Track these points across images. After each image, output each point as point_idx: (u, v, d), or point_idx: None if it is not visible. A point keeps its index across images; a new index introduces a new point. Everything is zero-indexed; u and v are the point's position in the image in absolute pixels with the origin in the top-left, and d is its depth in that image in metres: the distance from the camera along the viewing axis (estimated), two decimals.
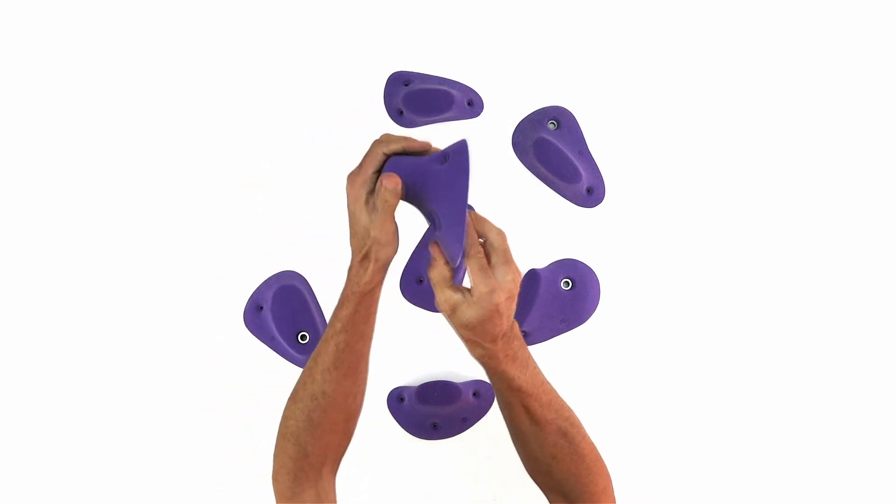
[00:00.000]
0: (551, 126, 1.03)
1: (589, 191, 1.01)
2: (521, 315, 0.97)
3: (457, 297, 0.59)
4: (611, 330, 0.98)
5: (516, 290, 0.59)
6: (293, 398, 0.67)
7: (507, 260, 0.59)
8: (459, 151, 0.58)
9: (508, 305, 0.59)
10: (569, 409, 0.67)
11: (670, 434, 0.96)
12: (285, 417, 0.66)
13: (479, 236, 0.61)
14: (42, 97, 1.03)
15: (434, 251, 0.61)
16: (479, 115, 1.04)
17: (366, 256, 0.63)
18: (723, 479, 0.95)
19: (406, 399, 0.95)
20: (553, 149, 1.01)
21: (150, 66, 1.04)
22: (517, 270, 0.60)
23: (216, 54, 1.05)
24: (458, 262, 0.58)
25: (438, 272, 0.60)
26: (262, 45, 1.05)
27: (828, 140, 1.03)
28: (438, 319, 0.98)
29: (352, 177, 0.62)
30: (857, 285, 1.00)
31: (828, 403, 0.97)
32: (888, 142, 1.03)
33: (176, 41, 1.05)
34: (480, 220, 0.61)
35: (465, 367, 0.97)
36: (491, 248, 0.60)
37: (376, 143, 0.62)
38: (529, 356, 0.65)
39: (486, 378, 0.95)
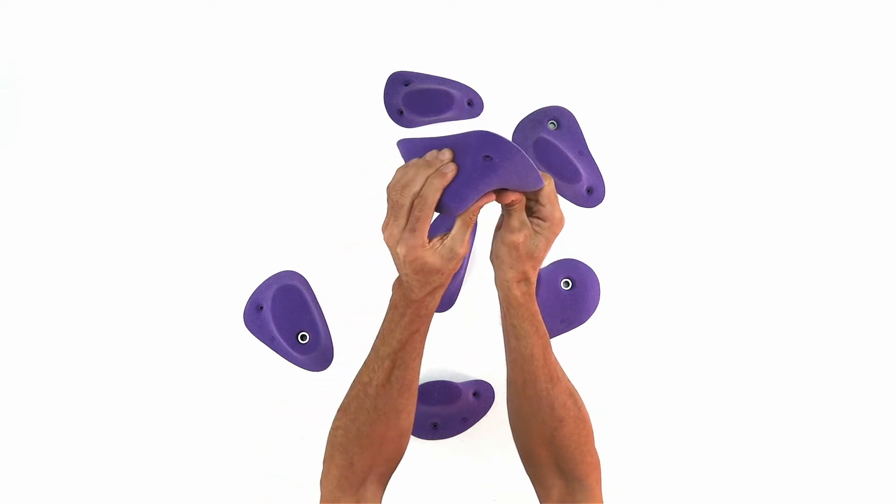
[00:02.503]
0: (551, 126, 1.03)
1: (589, 191, 1.01)
2: None
3: (530, 226, 0.65)
4: (611, 330, 0.98)
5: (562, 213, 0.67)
6: (344, 410, 0.68)
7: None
8: (495, 144, 0.58)
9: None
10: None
11: (670, 434, 0.96)
12: (335, 428, 0.68)
13: None
14: (42, 98, 1.03)
15: (514, 196, 0.63)
16: (479, 115, 1.04)
17: (436, 287, 0.64)
18: (722, 481, 0.95)
19: None
20: (553, 149, 1.01)
21: (150, 67, 1.04)
22: None
23: (217, 55, 1.05)
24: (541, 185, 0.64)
25: (522, 203, 0.64)
26: (262, 46, 1.05)
27: (827, 140, 1.03)
28: (438, 319, 0.98)
29: (407, 242, 0.59)
30: (856, 285, 1.00)
31: (826, 404, 0.97)
32: (887, 142, 1.03)
33: (176, 41, 1.05)
34: None
35: (465, 367, 0.97)
36: None
37: (423, 205, 0.59)
38: None
39: (486, 378, 0.96)
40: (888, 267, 1.00)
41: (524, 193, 0.64)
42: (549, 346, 0.68)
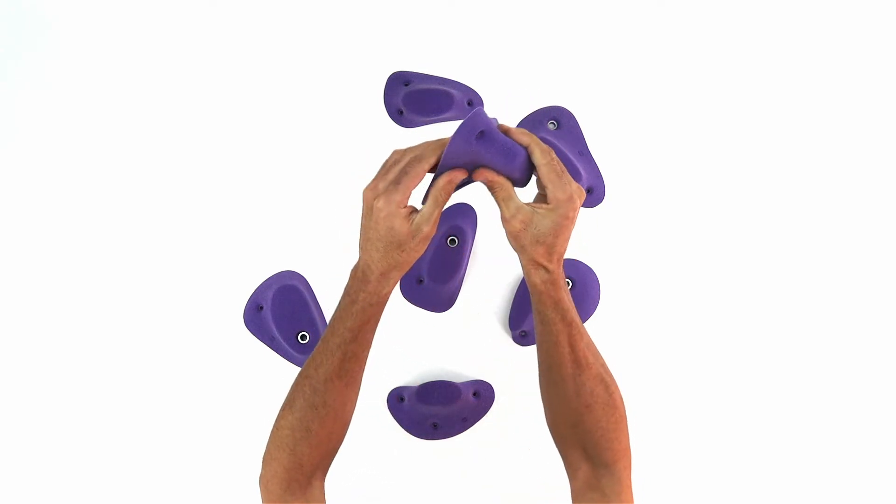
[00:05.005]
0: (551, 126, 1.03)
1: (589, 191, 1.01)
2: (520, 316, 0.97)
3: (528, 208, 0.61)
4: (611, 330, 0.98)
5: (584, 195, 0.63)
6: (289, 407, 0.66)
7: (564, 170, 0.62)
8: (479, 124, 0.59)
9: (578, 209, 0.62)
10: (602, 357, 0.68)
11: (670, 434, 0.96)
12: (279, 427, 0.65)
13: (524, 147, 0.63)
14: (43, 99, 1.03)
15: (488, 175, 0.62)
16: None
17: (393, 267, 0.63)
18: (722, 481, 0.95)
19: (406, 399, 0.95)
20: (553, 149, 1.01)
21: (150, 67, 1.04)
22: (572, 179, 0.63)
23: (217, 54, 1.05)
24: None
25: (504, 189, 0.62)
26: (262, 46, 1.05)
27: (827, 140, 1.03)
28: (438, 319, 0.98)
29: (388, 195, 0.59)
30: (856, 284, 1.00)
31: (825, 406, 0.97)
32: (888, 142, 1.03)
33: (176, 41, 1.05)
34: (529, 134, 0.63)
35: (465, 367, 0.97)
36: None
37: (416, 163, 0.60)
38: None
39: (486, 378, 0.96)
40: (888, 266, 1.00)
41: (507, 177, 0.63)
42: (577, 333, 0.65)
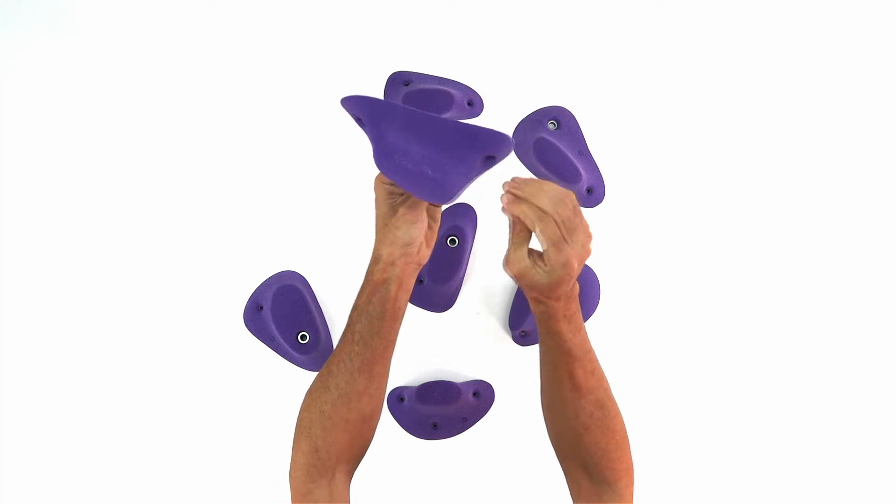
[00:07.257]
0: (551, 126, 1.03)
1: (589, 191, 1.01)
2: (520, 316, 0.97)
3: (527, 262, 0.63)
4: (611, 330, 0.98)
5: (588, 253, 0.62)
6: (310, 391, 0.68)
7: (576, 226, 0.61)
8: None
9: (580, 268, 0.62)
10: (608, 382, 0.69)
11: (670, 435, 0.96)
12: (300, 412, 0.68)
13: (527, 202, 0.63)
14: (43, 98, 1.03)
15: (514, 210, 0.64)
16: (479, 115, 1.04)
17: (392, 242, 0.66)
18: (722, 481, 0.95)
19: (406, 399, 0.95)
20: (553, 149, 1.01)
21: (150, 66, 1.04)
22: (588, 230, 0.62)
23: (217, 54, 1.05)
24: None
25: (521, 234, 0.64)
26: (262, 46, 1.05)
27: (827, 140, 1.03)
28: (438, 319, 0.98)
29: (409, 206, 0.68)
30: (856, 284, 1.00)
31: (827, 408, 0.97)
32: (888, 142, 1.03)
33: (176, 41, 1.05)
34: (518, 204, 0.63)
35: (465, 367, 0.97)
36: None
37: None
38: (582, 321, 0.68)
39: (486, 378, 0.96)
40: (888, 266, 1.00)
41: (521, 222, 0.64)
42: (575, 363, 0.66)
